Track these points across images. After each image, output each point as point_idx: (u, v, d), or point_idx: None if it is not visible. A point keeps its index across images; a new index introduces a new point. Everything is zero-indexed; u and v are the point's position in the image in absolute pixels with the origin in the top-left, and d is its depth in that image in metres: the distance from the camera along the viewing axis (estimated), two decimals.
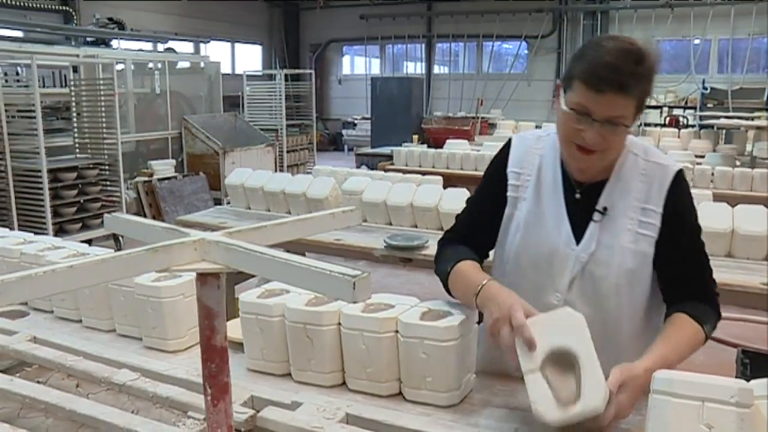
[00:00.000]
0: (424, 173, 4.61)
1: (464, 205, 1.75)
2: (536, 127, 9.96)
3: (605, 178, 1.53)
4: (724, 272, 2.76)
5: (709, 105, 13.07)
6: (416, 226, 3.47)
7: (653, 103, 14.07)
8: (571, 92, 1.41)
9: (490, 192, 1.66)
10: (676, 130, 9.24)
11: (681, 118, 12.86)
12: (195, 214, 4.09)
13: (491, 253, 1.73)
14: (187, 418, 1.40)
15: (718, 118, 8.82)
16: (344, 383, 1.53)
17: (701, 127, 9.50)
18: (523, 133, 1.71)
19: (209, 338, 1.01)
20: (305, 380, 1.54)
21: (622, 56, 1.35)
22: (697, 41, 14.27)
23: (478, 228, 1.68)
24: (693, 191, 3.85)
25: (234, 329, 1.79)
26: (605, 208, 1.52)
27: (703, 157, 6.64)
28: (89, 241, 5.98)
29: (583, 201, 1.54)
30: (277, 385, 1.52)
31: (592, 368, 1.22)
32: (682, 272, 1.52)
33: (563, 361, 1.26)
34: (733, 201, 3.22)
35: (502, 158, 1.66)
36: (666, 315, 1.51)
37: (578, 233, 1.53)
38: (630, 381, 1.24)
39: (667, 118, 13.15)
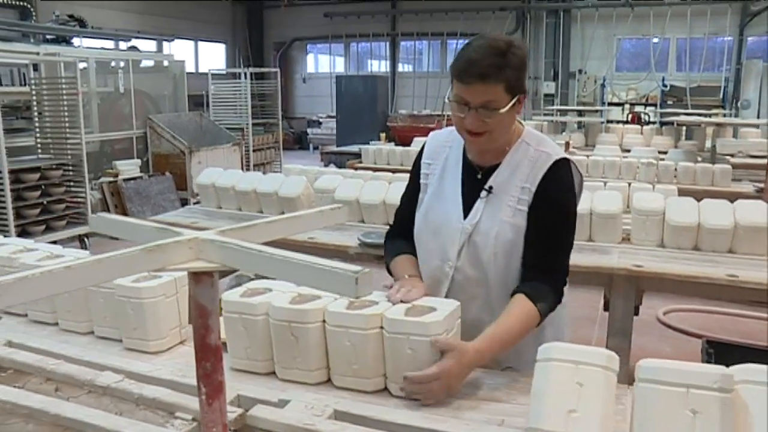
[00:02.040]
0: (393, 171, 4.62)
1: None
2: None
3: (500, 162, 1.73)
4: (691, 265, 2.85)
5: (669, 102, 13.39)
6: (389, 224, 3.48)
7: (615, 100, 14.36)
8: (452, 87, 1.63)
9: (411, 184, 1.90)
10: (639, 126, 9.40)
11: (642, 115, 13.12)
12: (166, 214, 4.04)
13: None
14: (174, 418, 1.39)
15: (678, 114, 9.01)
16: (329, 380, 1.54)
17: (662, 123, 9.70)
18: (438, 130, 1.93)
19: (204, 337, 1.00)
20: (290, 378, 1.54)
21: (483, 51, 1.56)
22: (656, 40, 14.57)
23: (408, 217, 1.86)
24: (658, 186, 3.93)
25: None
26: (491, 187, 1.72)
27: (665, 153, 6.78)
28: (53, 244, 5.86)
29: (480, 181, 1.74)
30: (263, 384, 1.52)
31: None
32: (534, 249, 1.68)
33: None
34: (695, 195, 3.31)
35: (420, 153, 1.89)
36: (513, 292, 1.66)
37: (470, 209, 1.74)
38: (459, 355, 1.42)
39: (629, 115, 13.40)
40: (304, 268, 0.82)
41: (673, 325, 4.54)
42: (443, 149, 1.84)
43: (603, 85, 14.32)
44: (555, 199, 1.68)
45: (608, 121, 11.22)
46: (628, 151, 6.93)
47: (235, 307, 1.58)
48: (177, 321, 1.79)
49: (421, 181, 1.85)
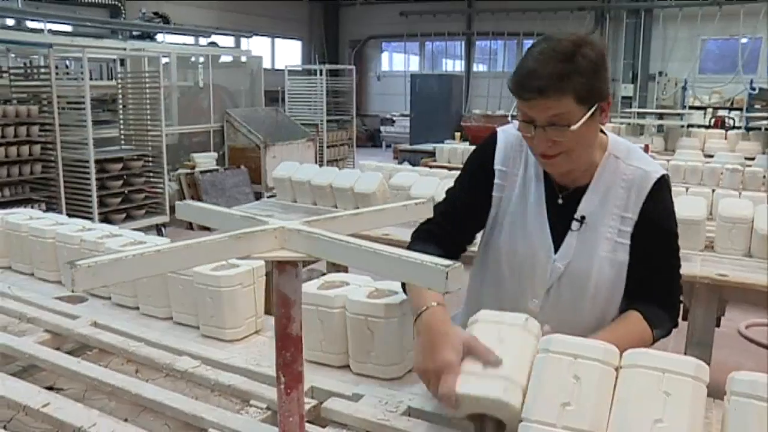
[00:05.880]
0: None
1: (444, 196, 1.69)
2: None
3: (587, 182, 1.51)
4: None
5: (756, 106, 12.76)
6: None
7: (697, 103, 13.81)
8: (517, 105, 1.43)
9: (474, 186, 1.62)
10: (723, 131, 9.01)
11: (727, 120, 12.56)
12: (241, 206, 4.12)
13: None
14: (249, 406, 1.41)
15: (766, 119, 8.59)
16: (402, 376, 1.53)
17: (748, 129, 9.27)
18: (508, 128, 1.62)
19: (285, 327, 1.01)
20: (364, 372, 1.54)
21: (545, 59, 1.34)
22: (744, 40, 13.93)
23: (458, 221, 1.60)
24: (744, 193, 3.74)
25: None
26: (583, 217, 1.50)
27: (752, 159, 6.48)
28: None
29: (564, 206, 1.52)
30: (336, 377, 1.52)
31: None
32: (647, 277, 1.49)
33: None
34: None
35: (487, 152, 1.61)
36: (621, 310, 1.51)
37: (558, 241, 1.52)
38: None
39: (713, 120, 12.86)
40: (393, 260, 0.81)
41: (756, 339, 4.34)
42: (519, 155, 1.58)
43: (684, 88, 13.81)
44: (660, 225, 1.50)
45: (689, 126, 10.81)
46: (711, 156, 6.65)
47: (311, 300, 1.58)
48: (253, 310, 1.82)
49: (494, 193, 1.58)
